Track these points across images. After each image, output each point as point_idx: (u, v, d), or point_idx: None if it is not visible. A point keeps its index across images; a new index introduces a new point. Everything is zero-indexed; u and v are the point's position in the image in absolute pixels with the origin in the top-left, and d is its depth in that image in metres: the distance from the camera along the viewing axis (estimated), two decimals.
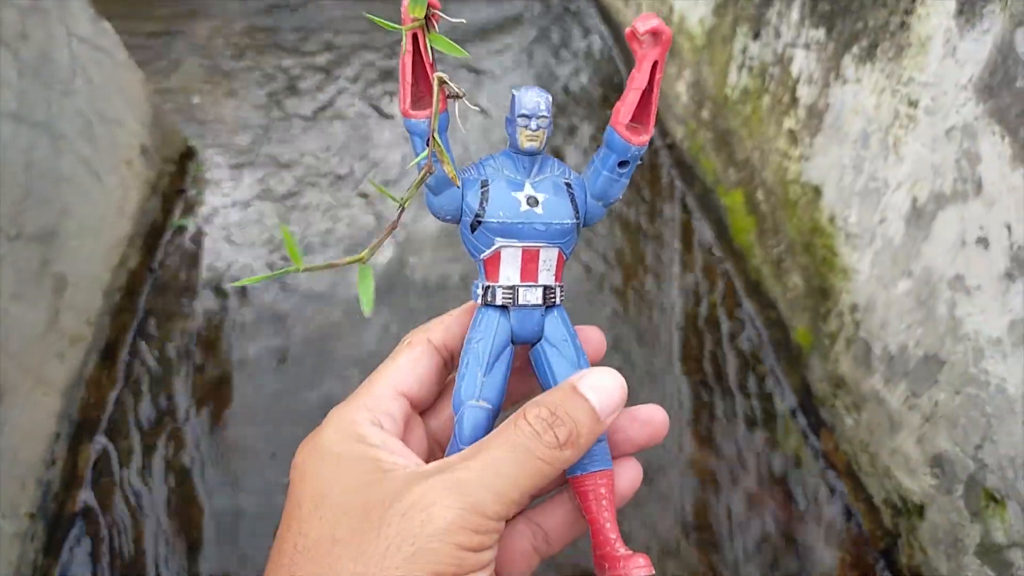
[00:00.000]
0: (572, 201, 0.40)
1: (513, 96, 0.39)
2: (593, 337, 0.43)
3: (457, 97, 0.38)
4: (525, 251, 0.39)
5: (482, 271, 0.40)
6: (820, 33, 1.19)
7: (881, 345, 1.07)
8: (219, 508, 1.20)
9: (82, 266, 1.38)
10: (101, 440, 1.28)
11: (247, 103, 2.05)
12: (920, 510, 1.03)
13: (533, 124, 0.38)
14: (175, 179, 1.80)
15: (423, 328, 0.41)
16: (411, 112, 0.39)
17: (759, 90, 1.39)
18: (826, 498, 1.20)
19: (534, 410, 0.35)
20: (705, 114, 1.62)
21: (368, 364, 1.39)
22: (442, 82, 0.37)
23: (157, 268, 1.58)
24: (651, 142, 0.39)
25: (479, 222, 0.39)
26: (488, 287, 0.40)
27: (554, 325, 0.40)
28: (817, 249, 1.22)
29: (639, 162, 0.40)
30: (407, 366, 0.39)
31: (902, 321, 1.03)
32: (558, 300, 0.41)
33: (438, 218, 0.41)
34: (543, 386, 0.41)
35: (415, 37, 0.38)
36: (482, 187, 0.40)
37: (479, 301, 0.40)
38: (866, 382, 1.11)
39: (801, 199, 1.26)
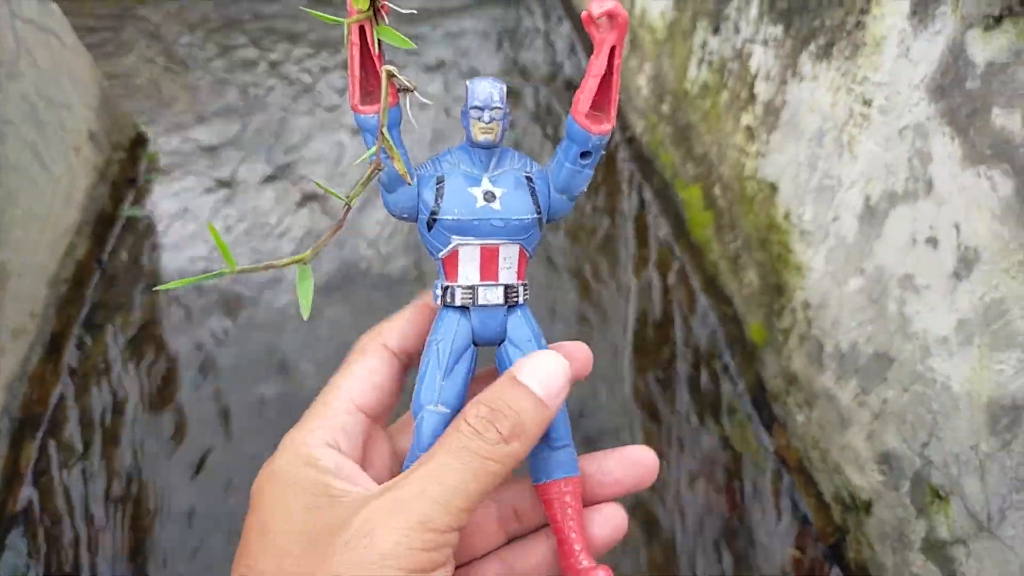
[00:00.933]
0: (533, 195, 0.38)
1: (466, 87, 0.38)
2: (578, 354, 0.41)
3: (408, 91, 0.37)
4: (484, 249, 0.38)
5: (441, 271, 0.39)
6: (778, 30, 1.19)
7: (833, 342, 1.08)
8: (166, 506, 1.18)
9: (27, 256, 1.33)
10: (43, 437, 1.24)
11: (203, 90, 2.00)
12: (868, 506, 1.04)
13: (486, 116, 0.37)
14: (125, 166, 1.75)
15: (376, 331, 0.39)
16: (360, 107, 0.37)
17: (718, 85, 1.39)
18: (777, 493, 1.21)
19: (473, 409, 0.33)
20: (665, 108, 1.62)
21: (321, 355, 1.37)
22: (391, 75, 0.36)
23: (106, 259, 1.53)
24: (612, 132, 0.37)
25: (435, 220, 0.37)
26: (447, 287, 0.38)
27: (517, 325, 0.39)
28: (772, 246, 1.23)
29: (602, 152, 0.38)
30: (362, 376, 0.37)
31: (854, 319, 1.04)
32: (521, 299, 0.39)
33: (394, 216, 0.39)
34: None
35: (362, 29, 0.37)
36: (437, 183, 0.38)
37: (439, 302, 0.39)
38: (818, 379, 1.12)
39: (758, 195, 1.26)
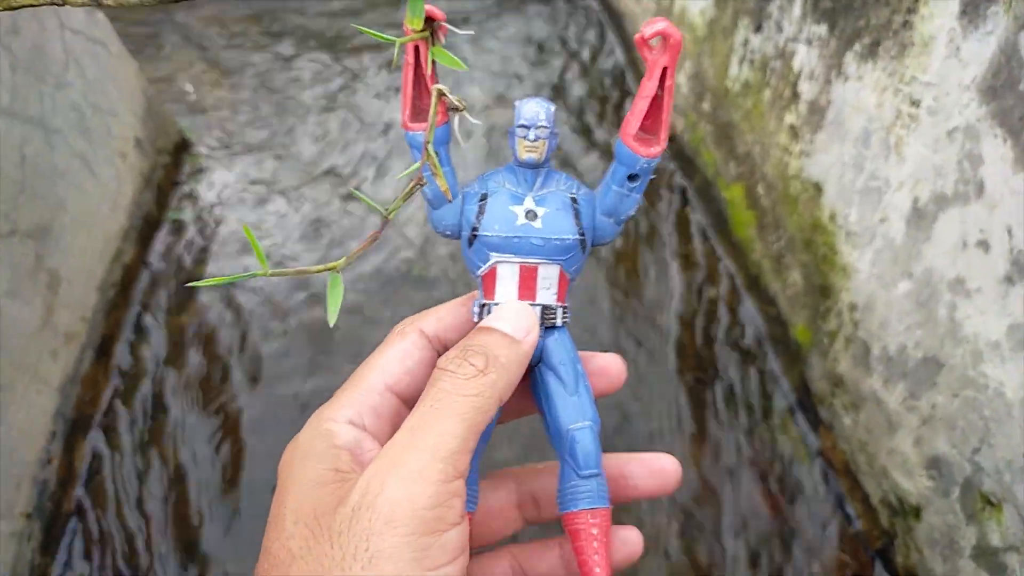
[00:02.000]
0: (576, 216, 0.38)
1: (514, 106, 0.38)
2: (611, 366, 0.41)
3: (458, 110, 0.37)
4: (523, 268, 0.38)
5: (480, 289, 0.39)
6: (822, 29, 1.18)
7: (880, 345, 1.07)
8: (216, 505, 1.20)
9: (76, 261, 1.37)
10: (96, 437, 1.27)
11: (244, 93, 2.03)
12: (916, 511, 1.03)
13: (532, 135, 0.37)
14: (170, 171, 1.79)
15: (416, 317, 0.40)
16: (411, 124, 0.38)
17: (760, 84, 1.37)
18: (823, 496, 1.20)
19: (445, 355, 0.34)
20: (706, 106, 1.61)
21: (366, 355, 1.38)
22: (441, 94, 0.36)
23: (152, 262, 1.57)
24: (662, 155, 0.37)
25: (475, 236, 0.38)
26: (484, 304, 0.38)
27: (554, 348, 0.39)
28: (817, 246, 1.21)
29: (651, 176, 0.38)
30: (396, 358, 0.38)
31: (901, 322, 1.02)
32: (559, 321, 0.39)
33: (438, 233, 0.40)
34: (540, 410, 0.40)
35: (416, 49, 0.37)
36: (480, 200, 0.38)
37: (476, 319, 0.39)
38: (865, 382, 1.11)
39: (802, 195, 1.25)
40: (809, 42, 1.21)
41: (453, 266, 1.56)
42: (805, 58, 1.23)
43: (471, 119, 0.39)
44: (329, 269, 0.36)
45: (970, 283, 0.90)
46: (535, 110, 0.37)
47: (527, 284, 0.38)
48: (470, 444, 0.31)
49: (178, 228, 1.65)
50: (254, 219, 1.66)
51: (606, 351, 0.42)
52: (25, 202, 1.27)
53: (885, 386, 1.06)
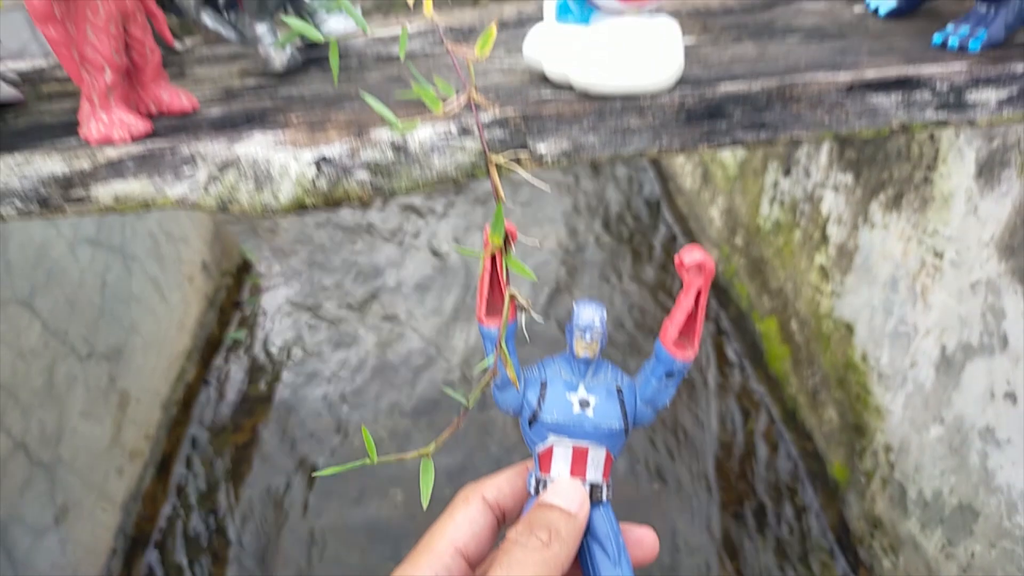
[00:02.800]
0: (622, 406, 0.45)
1: (573, 308, 0.46)
2: (646, 539, 0.46)
3: (524, 310, 0.45)
4: (576, 449, 0.44)
5: (536, 463, 0.46)
6: (848, 178, 1.25)
7: (916, 489, 1.08)
8: None
9: (144, 381, 1.46)
10: (152, 556, 1.32)
11: (307, 218, 2.16)
12: None
13: (588, 336, 0.44)
14: (232, 291, 1.90)
15: (478, 485, 0.45)
16: (485, 320, 0.46)
17: (790, 224, 1.44)
18: None
19: (513, 529, 0.40)
20: (738, 240, 1.68)
21: (410, 486, 1.43)
22: (512, 298, 0.44)
23: (212, 381, 1.65)
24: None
25: (535, 419, 0.45)
26: (540, 479, 0.45)
27: (599, 521, 0.45)
28: (851, 385, 1.24)
29: (685, 375, 0.45)
30: (464, 523, 0.43)
31: (936, 467, 1.04)
32: (604, 497, 0.45)
33: (501, 410, 0.47)
34: None
35: (493, 257, 0.46)
36: (541, 387, 0.46)
37: (531, 491, 0.45)
38: (902, 525, 1.12)
39: (834, 334, 1.29)
40: (836, 189, 1.29)
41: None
42: (833, 203, 1.30)
43: (536, 317, 0.47)
44: (422, 455, 0.42)
45: (1000, 433, 0.92)
46: (591, 316, 0.45)
47: (579, 463, 0.45)
48: None
49: (237, 347, 1.75)
50: (311, 342, 1.75)
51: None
52: (103, 326, 1.38)
53: (923, 531, 1.07)
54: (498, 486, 0.46)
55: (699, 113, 0.52)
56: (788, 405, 1.46)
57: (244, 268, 1.97)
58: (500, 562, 0.39)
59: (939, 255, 1.04)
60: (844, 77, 0.54)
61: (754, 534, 1.33)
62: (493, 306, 0.47)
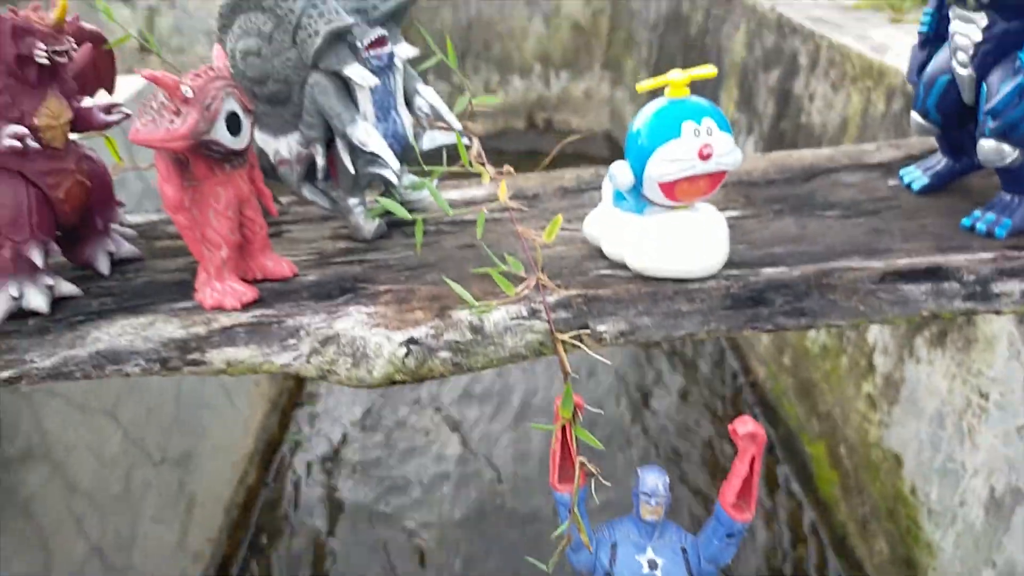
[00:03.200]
0: (687, 565, 0.51)
1: (638, 475, 0.52)
2: None
3: (593, 476, 0.51)
4: None
5: None
6: None
7: None
8: None
9: (210, 485, 1.53)
10: None
11: None
12: None
13: (653, 501, 0.50)
14: (293, 393, 1.98)
15: None
16: (558, 486, 0.52)
17: (838, 350, 1.48)
18: None
19: None
20: (786, 360, 1.71)
21: None
22: (583, 465, 0.51)
23: (271, 483, 1.72)
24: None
25: None
26: None
27: None
28: (901, 518, 1.25)
29: (744, 535, 0.51)
30: None
31: None
32: None
33: (575, 570, 0.53)
34: None
35: (564, 428, 0.52)
36: (612, 549, 0.51)
37: None
38: None
39: (883, 464, 1.30)
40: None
41: None
42: (878, 334, 1.33)
43: (603, 481, 0.53)
44: None
45: None
46: (655, 483, 0.51)
47: None
48: None
49: (296, 449, 1.81)
50: (358, 437, 1.81)
51: None
52: (176, 432, 1.46)
53: None
54: None
55: (744, 300, 0.58)
56: (838, 531, 1.45)
57: None
58: None
59: (984, 395, 1.07)
60: (877, 264, 0.60)
61: None
62: (565, 473, 0.53)
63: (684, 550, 0.53)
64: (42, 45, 0.57)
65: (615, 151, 3.38)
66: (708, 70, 0.56)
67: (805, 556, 1.49)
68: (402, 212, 0.62)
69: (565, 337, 0.55)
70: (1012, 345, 1.02)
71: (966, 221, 0.67)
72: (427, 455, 1.78)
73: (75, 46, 0.60)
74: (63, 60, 0.59)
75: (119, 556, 1.23)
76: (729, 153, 0.56)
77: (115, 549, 1.22)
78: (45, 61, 0.58)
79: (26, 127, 0.59)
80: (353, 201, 0.73)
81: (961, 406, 1.11)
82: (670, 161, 0.54)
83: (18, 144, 0.58)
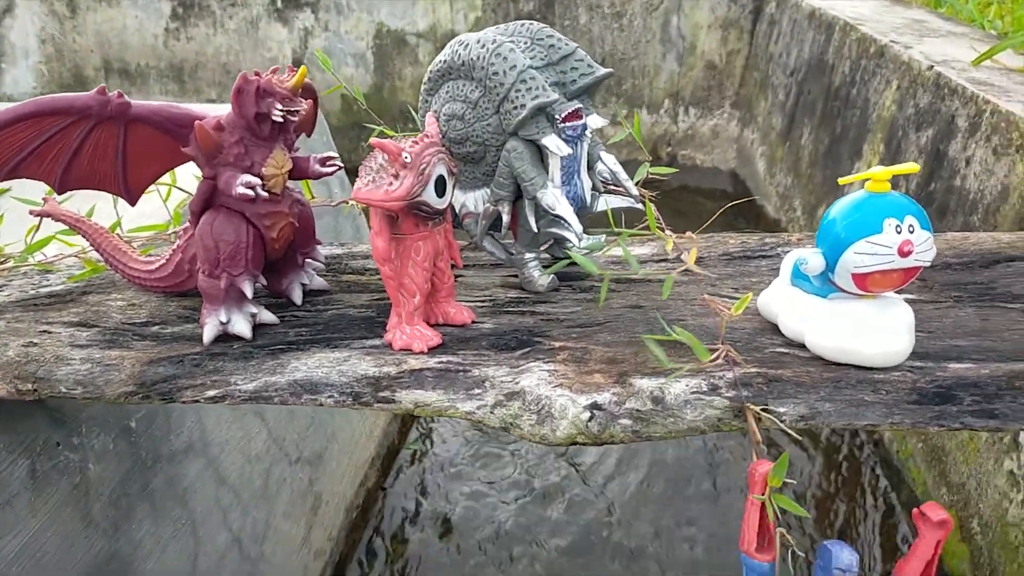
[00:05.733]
0: None
1: (827, 550, 0.53)
2: None
3: (789, 547, 0.53)
4: None
5: None
6: None
7: None
8: None
9: (335, 485, 1.61)
10: None
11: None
12: None
13: None
14: None
15: None
16: (753, 554, 0.54)
17: None
18: None
19: None
20: None
21: None
22: (783, 535, 0.53)
23: (389, 488, 1.79)
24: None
25: None
26: None
27: None
28: None
29: None
30: None
31: None
32: None
33: None
34: None
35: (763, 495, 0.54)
36: None
37: None
38: None
39: (1022, 547, 1.24)
40: None
41: None
42: None
43: (799, 552, 0.54)
44: None
45: None
46: (849, 560, 0.53)
47: None
48: None
49: (414, 458, 1.88)
50: (470, 449, 1.86)
51: None
52: (311, 433, 1.55)
53: None
54: None
55: (931, 395, 0.58)
56: None
57: None
58: None
59: None
60: None
61: None
62: (761, 540, 0.55)
63: None
64: (279, 105, 0.63)
65: (739, 188, 3.33)
66: (910, 166, 0.57)
67: None
68: (592, 268, 0.65)
69: (757, 409, 0.57)
70: None
71: None
72: (536, 479, 1.81)
73: (305, 106, 0.66)
74: (295, 119, 0.65)
75: (254, 547, 1.31)
76: (928, 251, 0.56)
77: (251, 540, 1.30)
78: (280, 119, 0.64)
79: (255, 175, 0.66)
80: (529, 256, 0.76)
81: None
82: (869, 255, 0.55)
83: (250, 193, 0.64)
